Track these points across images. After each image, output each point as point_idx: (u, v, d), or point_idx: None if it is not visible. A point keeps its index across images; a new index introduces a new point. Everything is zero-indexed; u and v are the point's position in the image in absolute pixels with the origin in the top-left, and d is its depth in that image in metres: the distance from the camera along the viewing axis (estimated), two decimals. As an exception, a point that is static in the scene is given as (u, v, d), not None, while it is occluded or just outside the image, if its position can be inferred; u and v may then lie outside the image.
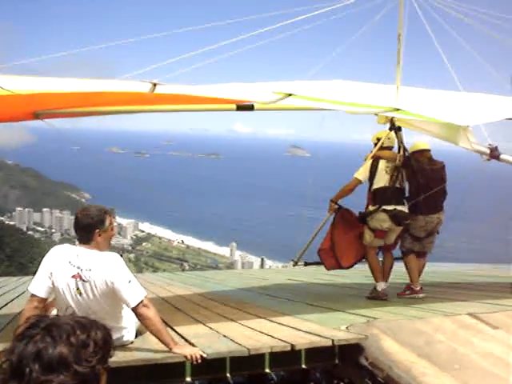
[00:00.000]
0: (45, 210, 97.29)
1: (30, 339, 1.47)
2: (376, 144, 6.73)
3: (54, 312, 4.05)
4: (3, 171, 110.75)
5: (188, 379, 3.98)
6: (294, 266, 7.54)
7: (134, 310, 3.72)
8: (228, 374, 4.07)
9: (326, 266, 6.93)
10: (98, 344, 1.55)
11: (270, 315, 5.42)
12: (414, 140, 6.95)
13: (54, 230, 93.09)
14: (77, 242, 3.92)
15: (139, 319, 3.81)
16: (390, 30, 6.83)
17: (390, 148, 6.68)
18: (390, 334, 4.35)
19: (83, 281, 3.68)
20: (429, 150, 6.68)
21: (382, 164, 6.42)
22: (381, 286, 6.43)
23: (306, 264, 7.41)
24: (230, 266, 70.77)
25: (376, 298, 6.39)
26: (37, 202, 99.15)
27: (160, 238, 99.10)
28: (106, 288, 3.69)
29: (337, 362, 4.31)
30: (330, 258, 6.77)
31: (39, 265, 3.80)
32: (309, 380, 6.80)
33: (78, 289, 3.70)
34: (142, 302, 3.71)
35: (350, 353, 4.24)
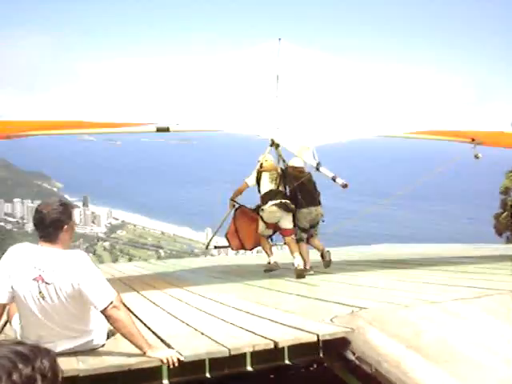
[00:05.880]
0: (16, 200, 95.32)
1: None
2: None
3: (15, 318, 3.72)
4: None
5: (165, 382, 3.73)
6: (206, 249, 9.47)
7: (104, 312, 3.41)
8: (208, 375, 3.84)
9: (232, 247, 8.69)
10: (45, 376, 1.28)
11: (250, 307, 5.19)
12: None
13: (26, 221, 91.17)
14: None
15: (109, 322, 3.50)
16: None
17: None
18: (377, 325, 4.16)
19: (46, 283, 3.34)
20: (301, 167, 7.97)
21: (264, 176, 8.00)
22: (270, 259, 8.03)
23: (216, 247, 9.44)
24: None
25: (270, 269, 7.95)
26: (7, 193, 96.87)
27: (135, 225, 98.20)
28: (71, 290, 3.36)
29: (321, 355, 4.11)
30: (235, 239, 8.57)
31: None
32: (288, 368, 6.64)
33: (40, 292, 3.35)
34: (111, 303, 3.40)
35: (335, 346, 4.04)
